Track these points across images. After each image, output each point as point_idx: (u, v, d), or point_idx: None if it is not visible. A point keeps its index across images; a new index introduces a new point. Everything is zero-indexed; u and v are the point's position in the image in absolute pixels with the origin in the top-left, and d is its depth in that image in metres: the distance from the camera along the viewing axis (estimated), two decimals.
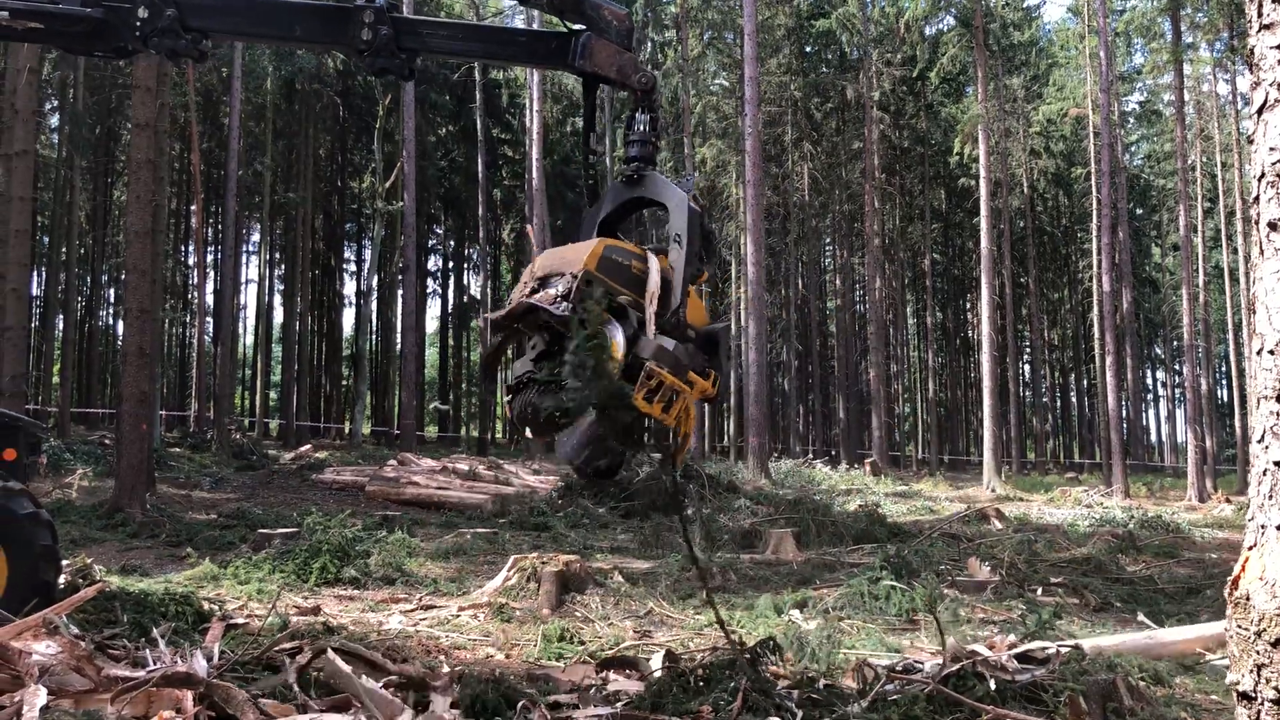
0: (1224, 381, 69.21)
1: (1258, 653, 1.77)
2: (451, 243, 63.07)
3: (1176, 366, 77.52)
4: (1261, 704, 1.78)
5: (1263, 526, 1.76)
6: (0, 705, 4.23)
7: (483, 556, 11.87)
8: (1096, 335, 46.05)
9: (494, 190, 51.84)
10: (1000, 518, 17.85)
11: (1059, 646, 5.72)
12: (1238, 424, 45.28)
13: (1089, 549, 12.99)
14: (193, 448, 27.05)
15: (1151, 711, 5.32)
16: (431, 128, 48.91)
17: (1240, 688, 1.80)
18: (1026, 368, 66.47)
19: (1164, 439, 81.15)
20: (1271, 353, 1.77)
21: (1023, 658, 5.56)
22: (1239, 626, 1.79)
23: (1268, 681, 1.76)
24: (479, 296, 60.29)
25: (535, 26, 29.36)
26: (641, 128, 5.19)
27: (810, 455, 45.34)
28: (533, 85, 40.08)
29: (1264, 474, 1.76)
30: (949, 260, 63.18)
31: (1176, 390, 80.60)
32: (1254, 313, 1.86)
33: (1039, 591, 9.87)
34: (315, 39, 5.37)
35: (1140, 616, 8.85)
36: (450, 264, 64.30)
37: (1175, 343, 70.36)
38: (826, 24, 46.40)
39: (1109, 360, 34.63)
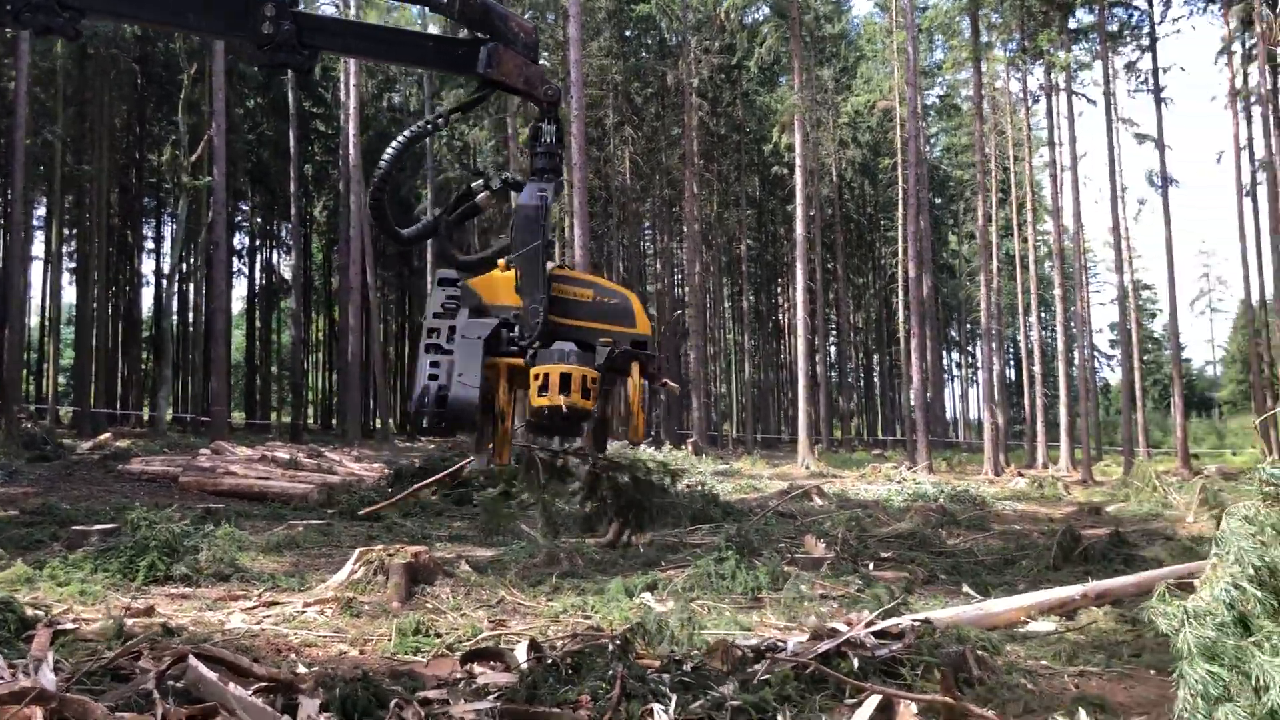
0: (1012, 363, 74.00)
1: None
2: (259, 220, 60.46)
3: (969, 348, 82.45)
4: None
5: None
6: None
7: (318, 549, 11.48)
8: (901, 319, 48.40)
9: (305, 166, 50.08)
10: (822, 495, 18.57)
11: (911, 621, 6.00)
12: (1026, 402, 48.52)
13: (909, 523, 13.69)
14: None
15: (996, 679, 5.67)
16: (240, 99, 46.70)
17: None
18: (833, 349, 69.26)
19: (959, 416, 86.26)
20: None
21: (878, 634, 5.81)
22: None
23: None
24: (289, 277, 58.21)
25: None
26: (548, 139, 5.13)
27: None
28: (349, 60, 38.79)
29: None
30: (762, 246, 65.03)
31: (970, 370, 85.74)
32: None
33: (871, 566, 10.33)
34: (211, 29, 5.07)
35: (965, 588, 9.37)
36: (258, 242, 61.66)
37: (969, 326, 74.79)
38: (647, 8, 46.79)
39: (913, 342, 36.42)
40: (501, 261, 5.01)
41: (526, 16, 43.90)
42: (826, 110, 51.99)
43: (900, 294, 50.26)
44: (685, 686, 5.14)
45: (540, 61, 5.27)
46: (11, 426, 26.43)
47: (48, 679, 4.31)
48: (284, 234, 60.60)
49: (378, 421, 50.18)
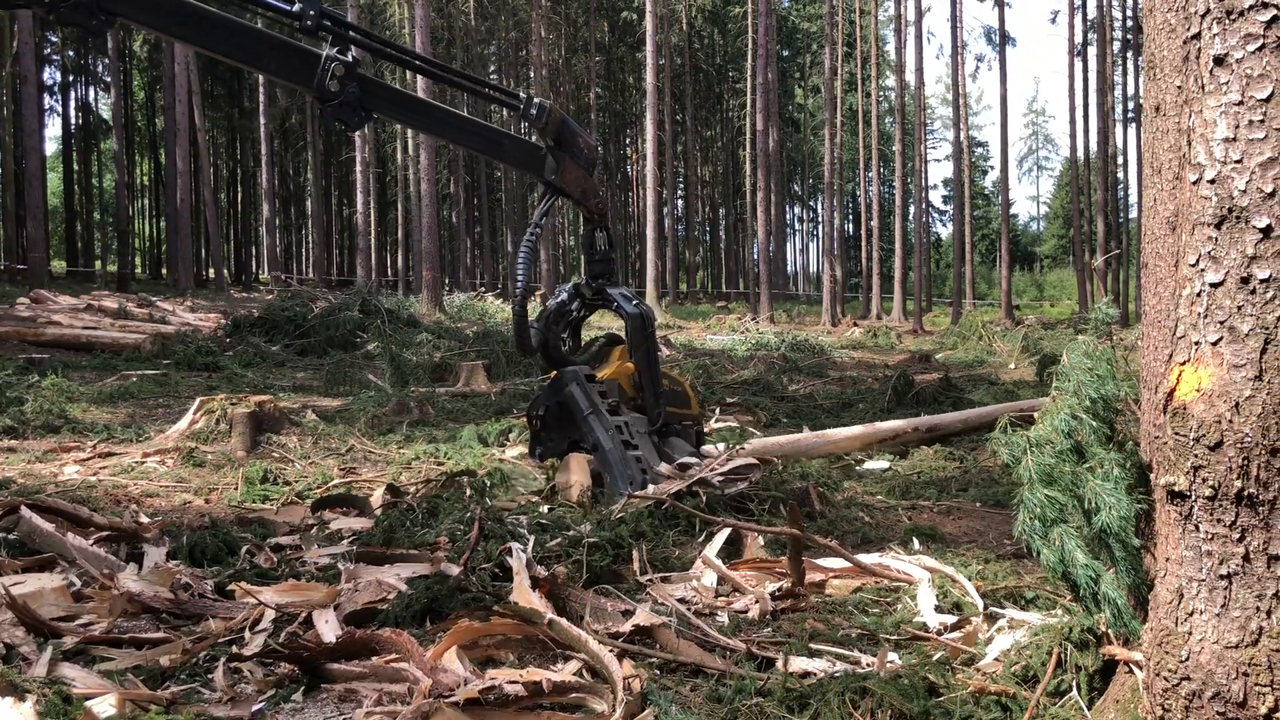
0: (851, 218, 75.92)
1: (1195, 455, 2.01)
2: (71, 54, 55.81)
3: (811, 203, 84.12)
4: (1195, 500, 2.05)
5: (1196, 343, 1.98)
6: None
7: (154, 400, 11.06)
8: (748, 172, 48.84)
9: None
10: (669, 345, 18.89)
11: (753, 458, 6.23)
12: (863, 256, 50.10)
13: (752, 371, 14.11)
14: None
15: (836, 513, 5.98)
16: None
17: (1176, 488, 2.06)
18: (681, 203, 69.63)
19: (799, 270, 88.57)
20: (1211, 181, 1.95)
21: (727, 473, 6.01)
22: (1176, 434, 2.03)
23: (1204, 481, 2.01)
24: (108, 117, 54.25)
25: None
26: (603, 247, 6.27)
27: (483, 289, 45.44)
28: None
29: (1198, 295, 1.97)
30: (611, 95, 64.02)
31: (810, 225, 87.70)
32: (1190, 144, 2.05)
33: (718, 411, 10.63)
34: (282, 74, 5.37)
35: (805, 430, 9.77)
36: (71, 78, 57.07)
37: (811, 180, 76.10)
38: None
39: (760, 196, 36.84)
40: (630, 366, 6.38)
41: None
42: None
43: (748, 147, 50.53)
44: (543, 528, 5.23)
45: None
46: None
47: None
48: (101, 70, 56.24)
49: (211, 271, 48.13)
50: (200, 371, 13.78)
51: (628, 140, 68.28)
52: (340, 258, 67.47)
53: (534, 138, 6.33)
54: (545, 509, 5.79)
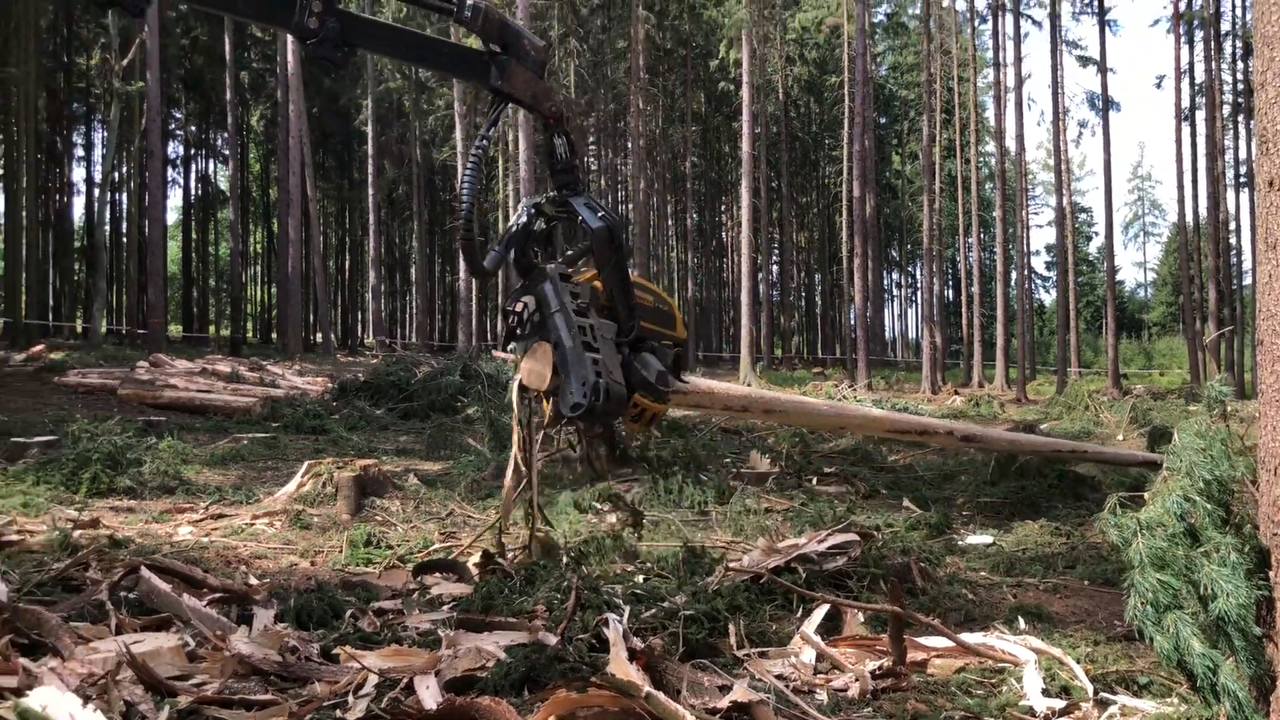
0: (950, 283, 74.92)
1: None
2: (194, 129, 58.70)
3: (910, 268, 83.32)
4: None
5: None
6: None
7: (263, 462, 11.43)
8: (845, 238, 48.69)
9: (241, 73, 48.58)
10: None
11: (858, 533, 6.15)
12: (964, 323, 49.33)
13: (850, 440, 13.94)
14: None
15: (938, 590, 5.85)
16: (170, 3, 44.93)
17: None
18: (776, 268, 69.65)
19: (897, 335, 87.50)
20: None
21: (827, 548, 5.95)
22: None
23: None
24: (226, 188, 56.80)
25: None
26: (563, 154, 5.55)
27: None
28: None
29: None
30: (707, 163, 64.69)
31: (909, 290, 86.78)
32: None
33: (814, 481, 10.53)
34: (255, 15, 5.08)
35: (906, 502, 9.60)
36: (193, 152, 59.95)
37: (909, 246, 75.47)
38: None
39: (857, 262, 36.66)
40: (598, 285, 5.60)
41: None
42: (774, 26, 51.40)
43: (844, 213, 50.45)
44: (638, 598, 5.24)
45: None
46: None
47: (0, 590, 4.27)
48: (220, 144, 58.97)
49: (318, 335, 49.59)
50: (308, 434, 14.17)
51: (723, 207, 68.78)
52: (442, 323, 68.93)
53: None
54: (640, 579, 5.80)
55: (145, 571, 4.73)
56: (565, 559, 5.95)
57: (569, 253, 5.96)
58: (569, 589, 5.13)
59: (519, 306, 5.67)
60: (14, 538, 6.69)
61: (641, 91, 45.59)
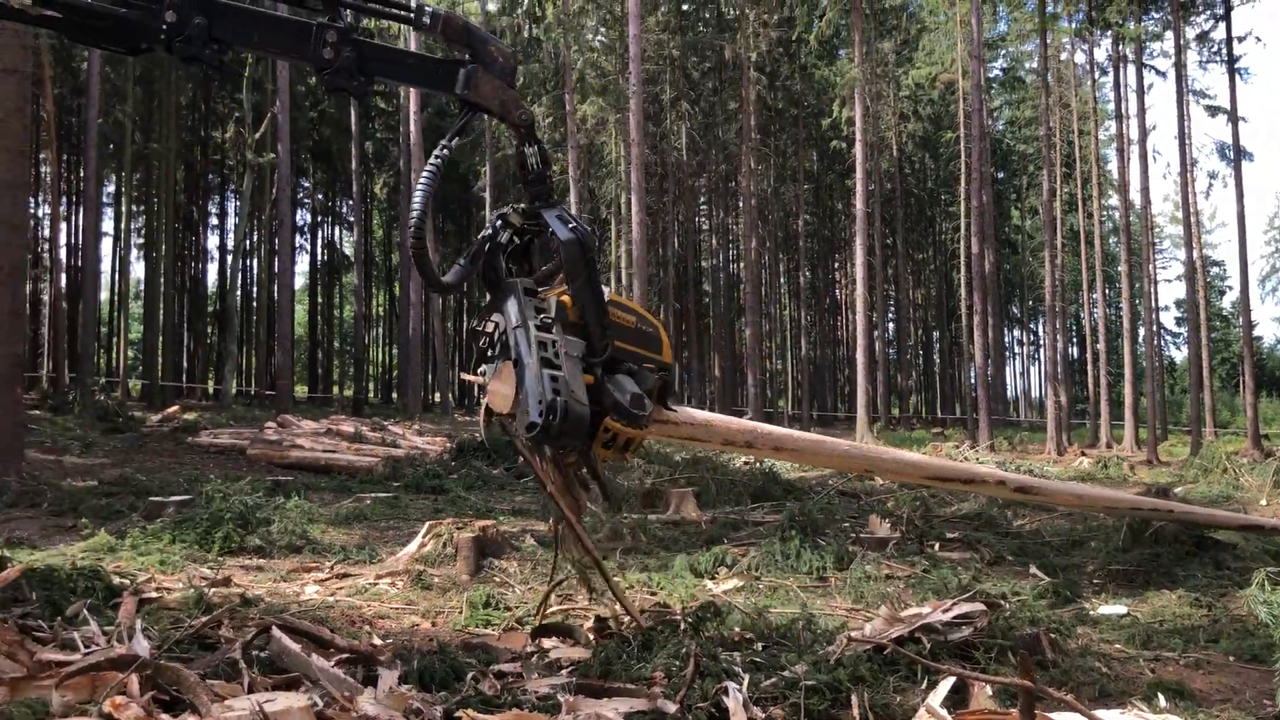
0: (1074, 340, 72.78)
1: None
2: (321, 197, 61.23)
3: (1031, 325, 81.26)
4: None
5: None
6: None
7: (385, 521, 11.67)
8: (964, 295, 47.81)
9: (366, 143, 50.54)
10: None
11: (985, 603, 5.96)
12: (1090, 381, 47.75)
13: (973, 503, 13.56)
14: (54, 410, 25.76)
15: (1070, 662, 5.62)
16: (301, 76, 47.26)
17: None
18: (892, 326, 68.72)
19: (1020, 394, 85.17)
20: None
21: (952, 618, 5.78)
22: None
23: None
24: (350, 253, 58.94)
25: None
26: (534, 164, 5.38)
27: None
28: (410, 35, 38.94)
29: None
30: (820, 221, 64.53)
31: (1031, 348, 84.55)
32: None
33: (937, 547, 10.25)
34: (274, 49, 5.30)
35: (1033, 569, 9.27)
36: (320, 219, 62.50)
37: (1031, 302, 73.67)
38: None
39: (976, 319, 35.94)
40: (567, 300, 5.26)
41: None
42: (887, 83, 51.32)
43: (961, 270, 49.62)
44: (757, 666, 5.16)
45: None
46: (86, 399, 27.12)
47: (141, 647, 4.44)
48: (345, 210, 61.32)
49: (437, 395, 50.70)
50: (427, 494, 14.45)
51: (836, 264, 68.37)
52: None
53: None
54: (760, 646, 5.71)
55: (276, 631, 4.86)
56: (683, 625, 5.90)
57: (543, 269, 5.65)
58: (687, 656, 5.09)
59: (489, 327, 5.46)
60: (153, 595, 6.96)
61: (753, 151, 45.91)
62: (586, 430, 4.96)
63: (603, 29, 46.35)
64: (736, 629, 6.46)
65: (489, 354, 5.46)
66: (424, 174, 5.21)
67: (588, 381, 5.10)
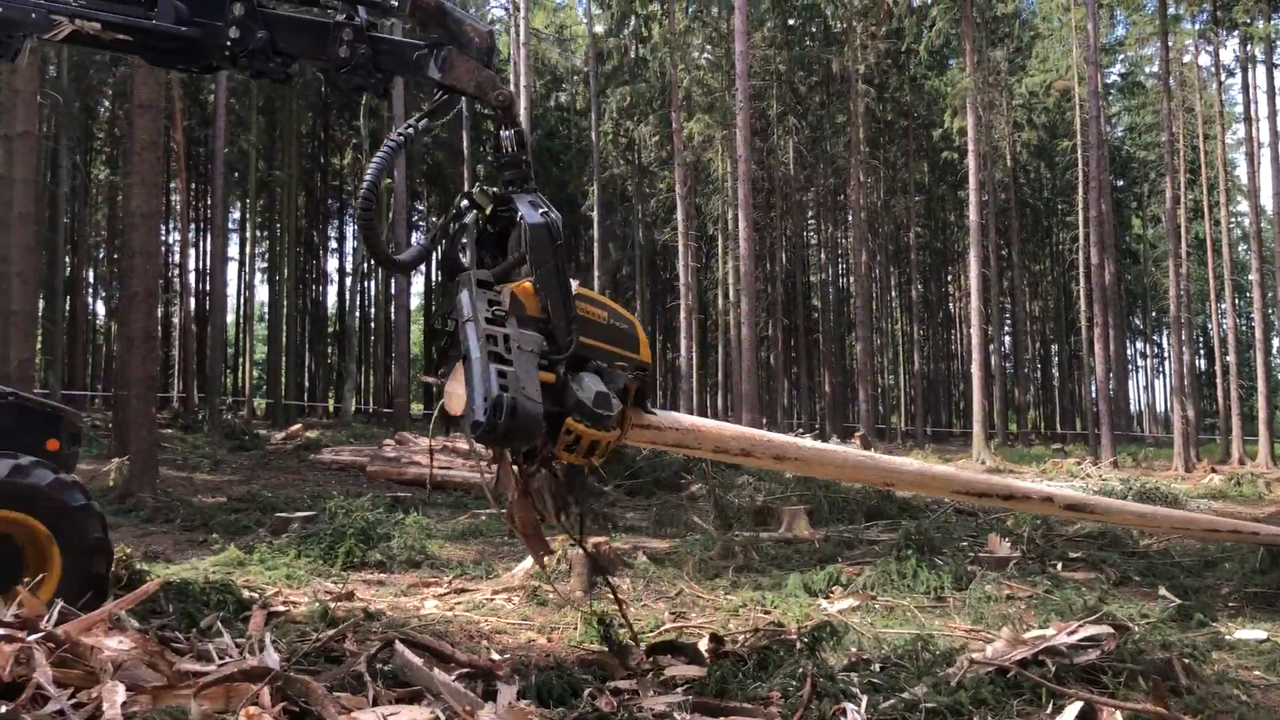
0: (1202, 352, 69.90)
1: None
2: (435, 219, 62.67)
3: (1155, 337, 78.35)
4: None
5: None
6: (79, 703, 4.19)
7: (500, 537, 11.86)
8: (1083, 306, 46.41)
9: (478, 166, 51.54)
10: None
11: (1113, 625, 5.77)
12: (1219, 394, 45.80)
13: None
14: (184, 429, 26.90)
15: (1206, 689, 5.39)
16: (416, 104, 48.51)
17: None
18: (1008, 339, 66.96)
19: (1144, 409, 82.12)
20: None
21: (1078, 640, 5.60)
22: None
23: None
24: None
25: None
26: (509, 147, 5.14)
27: (800, 429, 45.49)
28: (519, 60, 39.74)
29: None
30: (931, 233, 63.37)
31: (1155, 361, 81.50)
32: None
33: (1059, 566, 9.96)
34: (300, 51, 5.16)
35: (1162, 590, 8.93)
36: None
37: (1154, 314, 71.06)
38: None
39: (1097, 331, 34.84)
40: (529, 284, 4.99)
41: (691, 9, 44.12)
42: (1000, 92, 50.17)
43: (1081, 281, 48.18)
44: (875, 687, 5.09)
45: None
46: (214, 418, 28.23)
47: (272, 659, 4.60)
48: None
49: None
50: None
51: (949, 277, 67.01)
52: (664, 399, 69.93)
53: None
54: (877, 666, 5.63)
55: (399, 645, 4.98)
56: (799, 645, 5.84)
57: (505, 261, 5.32)
58: (804, 676, 5.05)
59: (450, 325, 5.14)
60: (280, 608, 7.21)
61: (862, 164, 45.42)
62: (538, 429, 4.64)
63: (709, 46, 46.45)
64: (853, 649, 6.39)
65: (450, 353, 5.12)
66: (380, 151, 5.02)
67: (547, 379, 4.83)
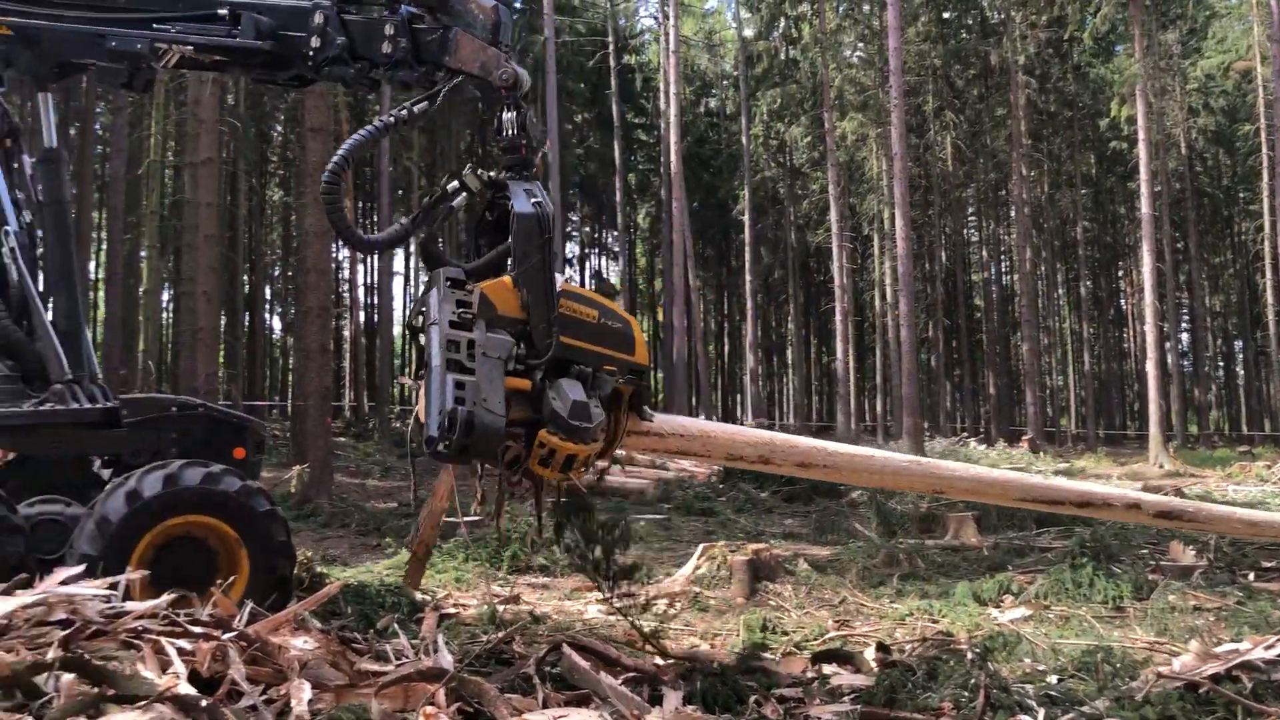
0: None
1: None
2: (588, 229, 63.76)
3: None
4: None
5: None
6: (269, 699, 4.42)
7: (658, 543, 11.95)
8: (1270, 300, 43.73)
9: (629, 176, 52.15)
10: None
11: None
12: None
13: None
14: (356, 437, 28.05)
15: None
16: (568, 116, 49.41)
17: None
18: (1185, 336, 63.51)
19: None
20: None
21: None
22: None
23: None
24: (615, 282, 60.88)
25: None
26: (509, 131, 4.84)
27: (964, 433, 44.25)
28: (669, 68, 40.03)
29: None
30: (1100, 227, 60.67)
31: None
32: None
33: (1251, 576, 9.38)
34: (370, 56, 5.14)
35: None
36: (586, 250, 65.08)
37: None
38: None
39: None
40: (508, 279, 4.64)
41: (842, 8, 43.55)
42: (1172, 77, 47.65)
43: (1267, 273, 45.39)
44: (1052, 700, 4.90)
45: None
46: (384, 426, 29.35)
47: (446, 660, 4.75)
48: (610, 241, 63.50)
49: (702, 418, 51.30)
50: (697, 516, 14.65)
51: (1120, 273, 64.01)
52: (820, 403, 69.13)
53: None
54: (1054, 679, 5.41)
55: (567, 649, 5.06)
56: (970, 654, 5.67)
57: (484, 257, 4.98)
58: (976, 687, 4.89)
59: (419, 322, 4.79)
60: (451, 610, 7.43)
61: (1024, 158, 43.88)
62: (498, 444, 4.34)
63: (860, 44, 45.78)
64: (1026, 660, 6.17)
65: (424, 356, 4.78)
66: (365, 128, 4.86)
67: (521, 386, 4.49)
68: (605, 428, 4.76)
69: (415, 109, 4.92)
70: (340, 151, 4.67)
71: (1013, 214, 48.10)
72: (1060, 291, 62.15)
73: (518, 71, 4.90)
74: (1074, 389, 61.93)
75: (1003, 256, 59.02)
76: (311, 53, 5.01)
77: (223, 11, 5.21)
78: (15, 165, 6.42)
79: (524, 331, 4.53)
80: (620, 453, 5.25)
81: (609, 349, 4.77)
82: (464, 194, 4.90)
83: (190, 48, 5.24)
